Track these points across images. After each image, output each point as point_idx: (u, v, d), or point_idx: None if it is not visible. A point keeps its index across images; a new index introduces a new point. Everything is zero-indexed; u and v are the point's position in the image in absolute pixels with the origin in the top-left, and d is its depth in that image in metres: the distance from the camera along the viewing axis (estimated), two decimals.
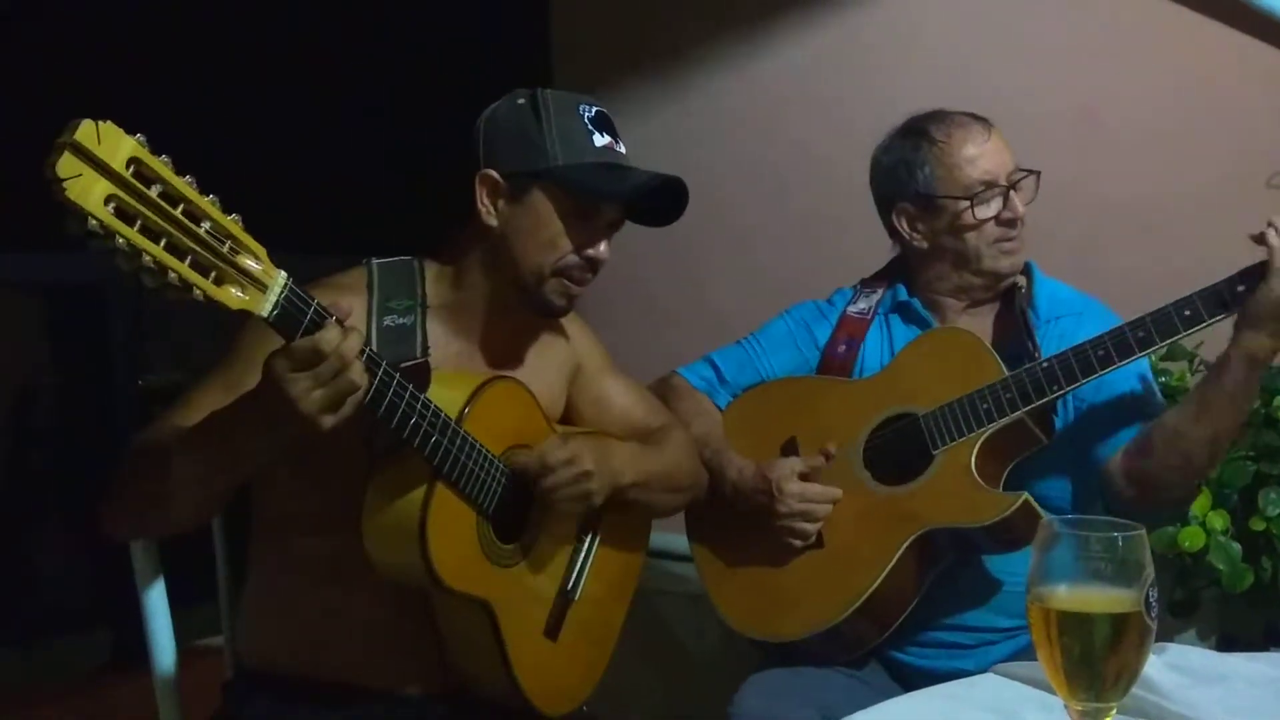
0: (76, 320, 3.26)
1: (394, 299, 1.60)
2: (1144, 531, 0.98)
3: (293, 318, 1.26)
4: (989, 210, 1.86)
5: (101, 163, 1.08)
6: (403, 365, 1.43)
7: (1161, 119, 2.50)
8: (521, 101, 1.62)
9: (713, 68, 3.05)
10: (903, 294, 1.99)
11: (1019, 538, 1.72)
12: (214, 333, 1.58)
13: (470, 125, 1.66)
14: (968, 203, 1.85)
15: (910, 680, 1.83)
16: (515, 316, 1.69)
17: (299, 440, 1.36)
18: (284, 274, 1.25)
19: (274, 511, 1.64)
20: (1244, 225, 1.69)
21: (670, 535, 2.01)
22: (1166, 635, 2.10)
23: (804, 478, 1.86)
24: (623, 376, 1.90)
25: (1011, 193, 1.87)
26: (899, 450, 1.84)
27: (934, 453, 1.81)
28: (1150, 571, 0.97)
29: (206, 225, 1.17)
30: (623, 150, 1.64)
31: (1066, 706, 1.00)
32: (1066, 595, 0.98)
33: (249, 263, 1.22)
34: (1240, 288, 1.64)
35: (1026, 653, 1.13)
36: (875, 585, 1.77)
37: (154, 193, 1.12)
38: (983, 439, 1.77)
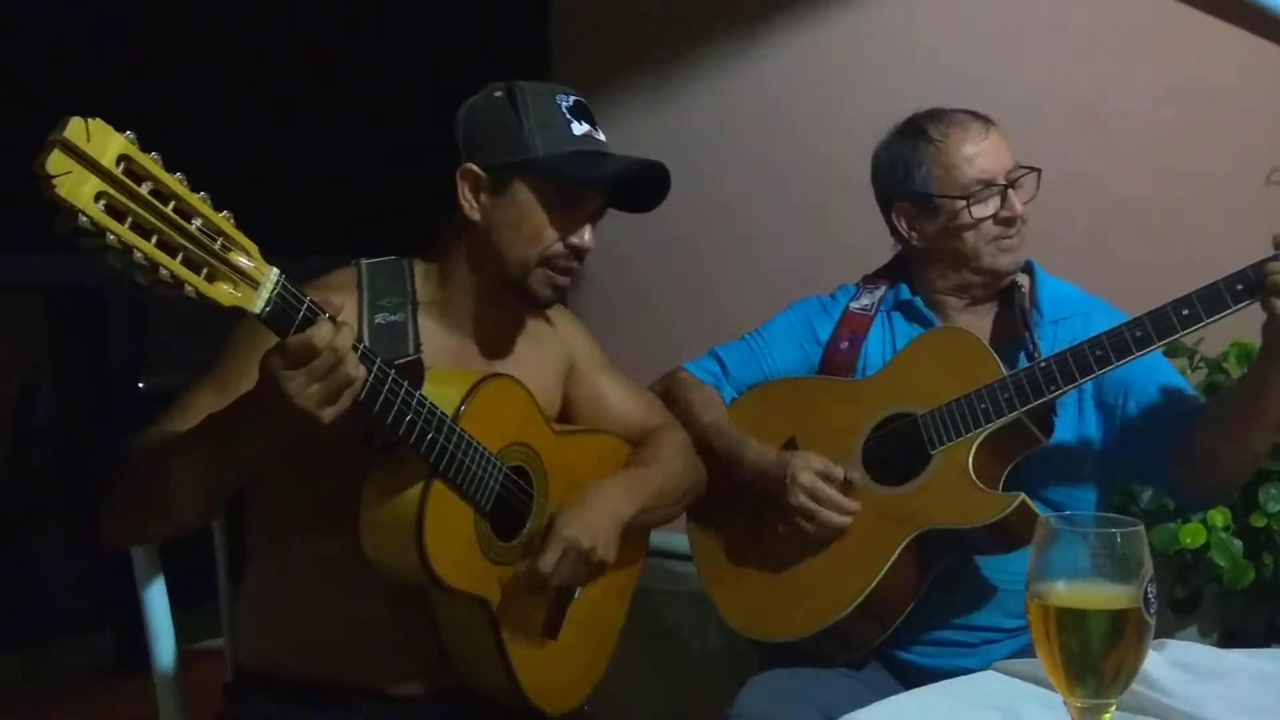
0: (76, 321, 3.27)
1: (384, 297, 1.60)
2: (1142, 528, 0.98)
3: (285, 314, 1.26)
4: (986, 209, 1.86)
5: (91, 160, 1.07)
6: (396, 362, 1.42)
7: (1163, 116, 2.50)
8: (499, 95, 1.62)
9: (712, 67, 3.05)
10: (905, 293, 1.99)
11: (1017, 538, 1.72)
12: (216, 335, 1.58)
13: None
14: (965, 202, 1.85)
15: (913, 679, 1.82)
16: (505, 311, 1.69)
17: (300, 438, 1.36)
18: (276, 270, 1.25)
19: (271, 512, 1.64)
20: (1243, 222, 1.69)
21: (671, 535, 2.01)
22: (1168, 632, 2.10)
23: (823, 478, 1.84)
24: (619, 375, 1.90)
25: (1010, 191, 1.86)
26: (897, 450, 1.84)
27: (932, 453, 1.80)
28: (1149, 568, 0.97)
29: (198, 222, 1.17)
30: (602, 138, 1.64)
31: (1066, 703, 1.00)
32: (1065, 592, 0.98)
33: (241, 260, 1.21)
34: (1239, 287, 1.64)
35: (1028, 651, 1.13)
36: (873, 585, 1.76)
37: (144, 190, 1.12)
38: (980, 439, 1.77)
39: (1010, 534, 1.72)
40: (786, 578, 1.88)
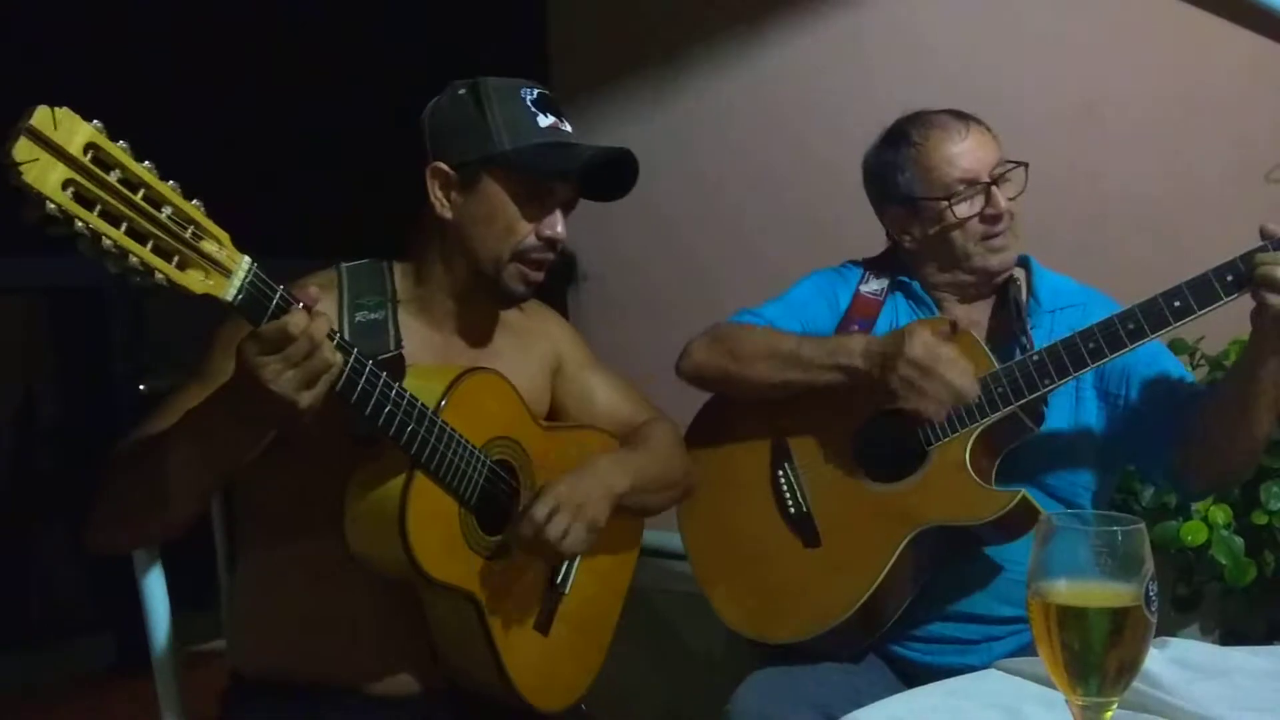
0: (78, 323, 3.26)
1: (364, 296, 1.61)
2: (1143, 526, 0.98)
3: (258, 302, 1.26)
4: (970, 208, 1.85)
5: (58, 147, 1.08)
6: (377, 358, 1.42)
7: (1162, 114, 2.50)
8: (462, 92, 1.63)
9: (712, 67, 3.06)
10: (907, 281, 1.99)
11: (1017, 530, 1.72)
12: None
13: None
14: (948, 202, 1.85)
15: (912, 675, 1.82)
16: (483, 307, 1.70)
17: (280, 427, 1.35)
18: (248, 259, 1.25)
19: (259, 515, 1.63)
20: (1243, 219, 1.69)
21: (671, 534, 2.01)
22: (1169, 630, 2.10)
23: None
24: (607, 372, 1.90)
25: (993, 188, 1.86)
26: (892, 447, 1.84)
27: (927, 449, 1.80)
28: (1150, 565, 0.97)
29: (168, 210, 1.17)
30: (568, 129, 1.64)
31: (1068, 702, 1.00)
32: (1066, 590, 0.97)
33: (212, 248, 1.21)
34: (1229, 278, 1.64)
35: (1029, 649, 1.13)
36: (875, 586, 1.76)
37: (113, 178, 1.12)
38: (975, 434, 1.77)
39: (1011, 527, 1.72)
40: (783, 578, 1.87)
